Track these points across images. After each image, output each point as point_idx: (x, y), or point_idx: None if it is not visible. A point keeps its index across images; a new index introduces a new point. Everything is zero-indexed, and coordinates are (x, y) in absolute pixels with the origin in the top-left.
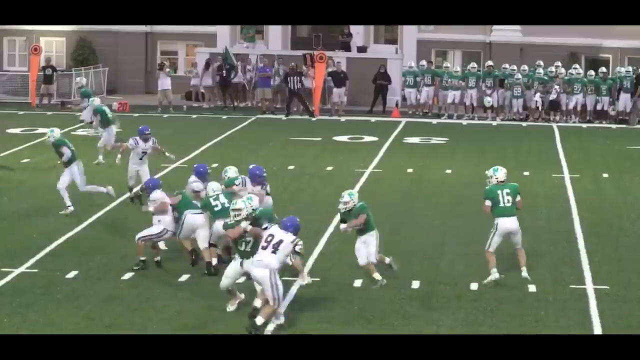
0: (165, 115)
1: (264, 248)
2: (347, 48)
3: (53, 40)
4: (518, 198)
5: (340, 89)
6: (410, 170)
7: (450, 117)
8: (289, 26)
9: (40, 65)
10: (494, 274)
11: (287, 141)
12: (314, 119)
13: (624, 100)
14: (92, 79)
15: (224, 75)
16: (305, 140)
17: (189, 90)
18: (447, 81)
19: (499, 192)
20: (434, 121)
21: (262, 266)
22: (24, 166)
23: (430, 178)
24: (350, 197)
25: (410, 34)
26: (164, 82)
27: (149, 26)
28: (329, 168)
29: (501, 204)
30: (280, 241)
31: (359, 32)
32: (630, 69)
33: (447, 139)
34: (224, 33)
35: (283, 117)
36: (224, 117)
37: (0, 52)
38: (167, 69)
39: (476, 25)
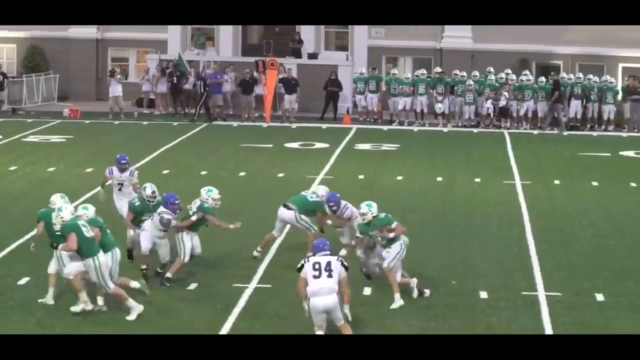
0: (117, 122)
1: (317, 277)
2: (298, 54)
3: (4, 47)
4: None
5: (292, 96)
6: (361, 176)
7: (401, 123)
8: (240, 32)
9: None
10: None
11: (237, 148)
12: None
13: (575, 107)
14: (43, 85)
15: (175, 82)
16: (256, 147)
17: (140, 97)
18: (395, 88)
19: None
20: (385, 128)
21: (328, 293)
22: None
23: (381, 184)
24: (368, 209)
25: (360, 40)
26: (115, 89)
27: (99, 33)
28: (280, 175)
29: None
30: (329, 263)
31: (309, 39)
32: (581, 75)
33: (398, 145)
34: (175, 40)
35: (234, 124)
36: (175, 123)
37: None
38: (119, 76)
39: (427, 32)
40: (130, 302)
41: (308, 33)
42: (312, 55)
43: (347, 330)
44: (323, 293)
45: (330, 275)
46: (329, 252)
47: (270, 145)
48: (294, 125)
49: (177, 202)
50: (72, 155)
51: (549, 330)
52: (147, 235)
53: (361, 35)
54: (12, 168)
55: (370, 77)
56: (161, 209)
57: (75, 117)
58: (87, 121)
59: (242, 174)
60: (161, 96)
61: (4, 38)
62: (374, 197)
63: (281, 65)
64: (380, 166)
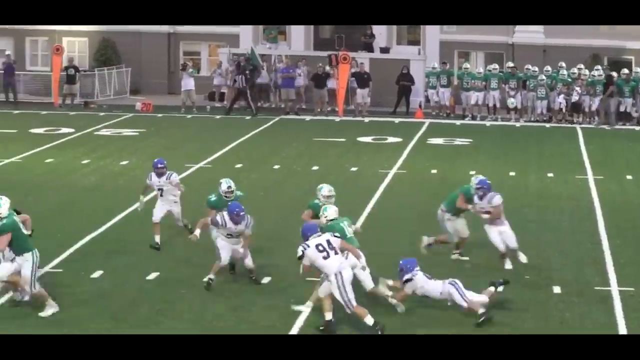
0: (189, 116)
1: (327, 257)
2: (370, 49)
3: (75, 41)
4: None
5: (364, 90)
6: (434, 171)
7: (473, 118)
8: (312, 27)
9: (63, 66)
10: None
11: (310, 142)
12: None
13: None
14: (115, 79)
15: (248, 76)
16: (329, 141)
17: (212, 91)
18: (468, 82)
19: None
20: (458, 122)
21: (347, 266)
22: (47, 166)
23: (454, 179)
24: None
25: (432, 35)
26: (187, 83)
27: (171, 26)
28: (353, 169)
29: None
30: (328, 241)
31: (381, 33)
32: None
33: (470, 140)
34: (246, 33)
35: (307, 118)
36: (248, 117)
37: (23, 52)
38: (190, 70)
39: (499, 26)
40: (51, 302)
41: (380, 27)
42: (384, 50)
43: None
44: (344, 267)
45: (336, 252)
46: (320, 233)
47: (343, 140)
48: (366, 120)
49: (242, 213)
50: (144, 148)
51: (622, 325)
52: (226, 246)
53: (433, 30)
54: (85, 161)
55: (442, 72)
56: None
57: (147, 111)
58: (160, 115)
59: (314, 168)
60: (233, 90)
61: (76, 32)
62: (447, 192)
63: (353, 60)
64: (453, 161)
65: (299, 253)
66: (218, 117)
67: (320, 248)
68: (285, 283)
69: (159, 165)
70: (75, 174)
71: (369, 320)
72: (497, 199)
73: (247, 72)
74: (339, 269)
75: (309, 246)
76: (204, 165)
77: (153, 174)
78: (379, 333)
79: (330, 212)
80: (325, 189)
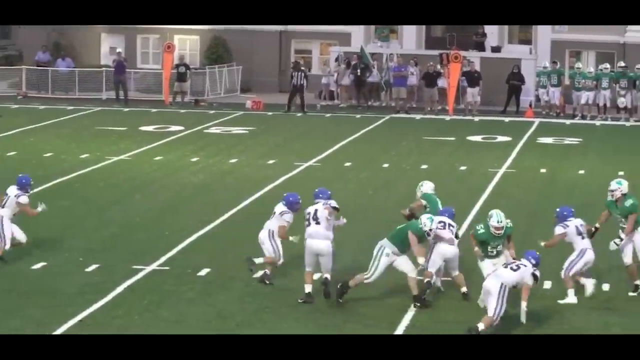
0: (299, 114)
1: (308, 225)
2: (481, 48)
3: (187, 39)
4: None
5: (474, 89)
6: (543, 170)
7: (583, 117)
8: (423, 26)
9: (174, 63)
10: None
11: (420, 140)
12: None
13: None
14: (226, 77)
15: (359, 74)
16: (438, 140)
17: (322, 89)
18: (579, 82)
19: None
20: (567, 122)
21: (323, 238)
22: (156, 164)
23: (563, 178)
24: (618, 185)
25: (544, 34)
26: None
27: (283, 25)
28: (463, 168)
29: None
30: (316, 211)
31: (493, 32)
32: None
33: (580, 139)
34: (358, 32)
35: (417, 116)
36: (358, 116)
37: (134, 50)
38: (302, 68)
39: (610, 26)
40: None
41: (492, 26)
42: (496, 49)
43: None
44: (317, 237)
45: (317, 222)
46: (319, 200)
47: (453, 138)
48: (476, 119)
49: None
50: (254, 147)
51: None
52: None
53: (545, 29)
54: (194, 159)
55: (553, 71)
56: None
57: (257, 109)
58: (270, 113)
59: (424, 166)
60: (345, 88)
61: (188, 30)
62: (556, 191)
63: (464, 59)
64: (563, 160)
65: None
66: (328, 115)
67: (307, 216)
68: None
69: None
70: (184, 171)
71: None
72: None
73: (359, 70)
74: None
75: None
76: (314, 163)
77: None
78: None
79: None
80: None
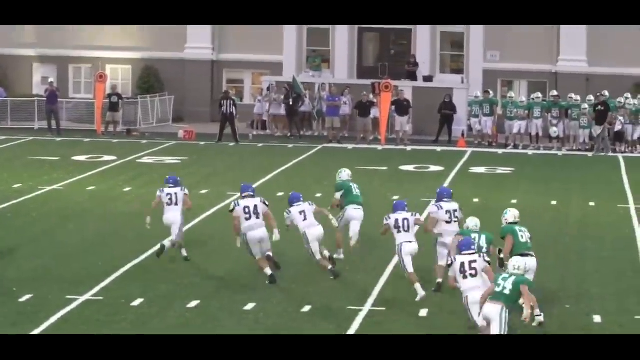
0: (231, 144)
1: (248, 219)
2: (414, 77)
3: (119, 68)
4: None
5: (403, 118)
6: (476, 200)
7: (516, 147)
8: (355, 54)
9: (106, 93)
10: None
11: (353, 170)
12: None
13: None
14: (158, 106)
15: (291, 104)
16: (371, 169)
17: (254, 119)
18: (511, 111)
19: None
20: (500, 151)
21: (259, 227)
22: (89, 194)
23: (495, 207)
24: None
25: (476, 63)
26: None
27: (215, 54)
28: (395, 197)
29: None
30: (256, 206)
31: (424, 62)
32: None
33: (512, 168)
34: (290, 61)
35: (349, 146)
36: (290, 146)
37: (66, 79)
38: (231, 96)
39: (542, 55)
40: None
41: (424, 55)
42: (428, 78)
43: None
44: (256, 228)
45: (258, 217)
46: (253, 194)
47: (385, 168)
48: (408, 148)
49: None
50: (187, 177)
51: None
52: None
53: (476, 58)
54: (127, 189)
55: (485, 101)
56: None
57: (190, 139)
58: (202, 143)
59: None
60: (276, 118)
61: (120, 59)
62: (488, 220)
63: (395, 88)
64: (495, 190)
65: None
66: (260, 145)
67: (247, 210)
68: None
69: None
70: (117, 201)
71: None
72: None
73: (290, 100)
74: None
75: (238, 204)
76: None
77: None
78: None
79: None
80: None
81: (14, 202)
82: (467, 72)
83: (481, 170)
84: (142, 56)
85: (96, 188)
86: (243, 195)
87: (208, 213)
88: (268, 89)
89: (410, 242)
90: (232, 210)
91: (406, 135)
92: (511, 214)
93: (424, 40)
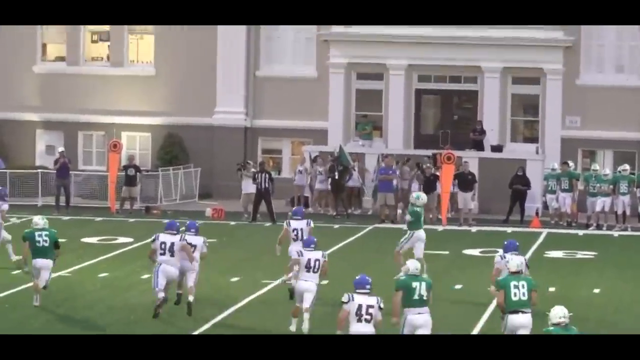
0: (267, 224)
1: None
2: (480, 147)
3: (137, 136)
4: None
5: (467, 194)
6: (552, 289)
7: (599, 227)
8: (412, 121)
9: (121, 165)
10: None
11: (409, 254)
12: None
13: None
14: (181, 180)
15: (337, 177)
16: (430, 254)
17: (294, 196)
18: (594, 186)
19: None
20: (580, 232)
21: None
22: (101, 281)
23: (575, 298)
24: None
25: (553, 130)
26: (248, 185)
27: (248, 120)
28: (458, 286)
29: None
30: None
31: (493, 129)
32: None
33: (595, 253)
34: (336, 129)
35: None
36: (336, 226)
37: (75, 148)
38: (252, 169)
39: (630, 122)
40: None
41: (492, 121)
42: (496, 148)
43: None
44: (170, 264)
45: (172, 255)
46: (175, 232)
47: (447, 252)
48: (473, 229)
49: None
50: (215, 262)
51: None
52: None
53: (553, 125)
54: (145, 276)
55: (563, 174)
56: None
57: (219, 218)
58: (233, 222)
59: None
60: (320, 194)
61: (138, 125)
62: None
63: (458, 159)
64: (575, 277)
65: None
66: None
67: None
68: None
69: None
70: (133, 291)
71: None
72: None
73: (336, 173)
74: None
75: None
76: (287, 281)
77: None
78: None
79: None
80: None
81: (13, 290)
82: (543, 141)
83: (558, 254)
84: (163, 122)
85: (109, 275)
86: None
87: (240, 304)
88: (314, 160)
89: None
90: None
91: (471, 214)
92: (514, 263)
93: (492, 103)
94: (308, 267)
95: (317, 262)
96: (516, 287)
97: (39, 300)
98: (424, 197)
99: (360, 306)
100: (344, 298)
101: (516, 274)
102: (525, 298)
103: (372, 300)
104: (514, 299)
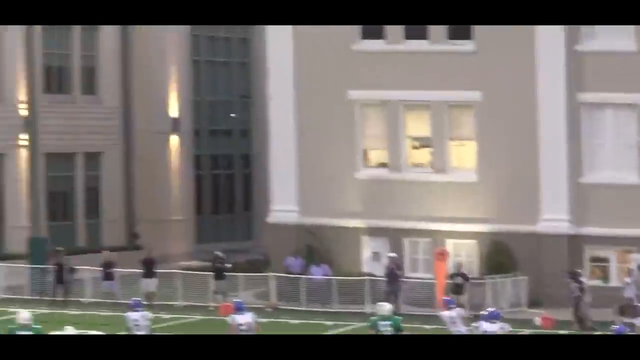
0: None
1: None
2: None
3: (462, 243)
4: None
5: None
6: None
7: None
8: None
9: (449, 273)
10: None
11: None
12: None
13: None
14: (509, 289)
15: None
16: None
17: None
18: None
19: None
20: None
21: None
22: None
23: None
24: None
25: None
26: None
27: (573, 227)
28: None
29: None
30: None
31: None
32: None
33: None
34: None
35: None
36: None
37: (400, 254)
38: (579, 278)
39: None
40: None
41: None
42: None
43: None
44: None
45: None
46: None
47: None
48: None
49: None
50: None
51: None
52: None
53: None
54: None
55: None
56: None
57: (547, 327)
58: (564, 332)
59: None
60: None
61: (463, 233)
62: None
63: None
64: None
65: None
66: None
67: None
68: None
69: None
70: None
71: None
72: None
73: None
74: None
75: None
76: None
77: None
78: None
79: None
80: None
81: None
82: None
83: None
84: (489, 229)
85: None
86: None
87: None
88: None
89: None
90: None
91: None
92: None
93: None
94: None
95: None
96: None
97: None
98: None
99: None
100: None
101: None
102: None
103: None
104: None
